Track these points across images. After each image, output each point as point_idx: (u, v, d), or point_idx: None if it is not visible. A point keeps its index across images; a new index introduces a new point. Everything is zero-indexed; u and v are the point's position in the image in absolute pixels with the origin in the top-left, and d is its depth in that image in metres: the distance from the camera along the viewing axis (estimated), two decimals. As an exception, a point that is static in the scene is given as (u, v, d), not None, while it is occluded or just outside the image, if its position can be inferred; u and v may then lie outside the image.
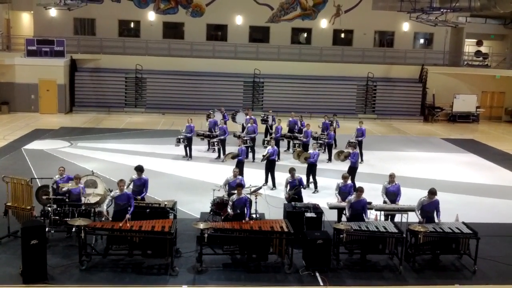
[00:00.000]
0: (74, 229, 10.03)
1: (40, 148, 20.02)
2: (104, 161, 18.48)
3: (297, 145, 19.57)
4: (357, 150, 16.38)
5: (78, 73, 29.71)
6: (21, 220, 11.06)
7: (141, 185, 11.87)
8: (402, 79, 31.69)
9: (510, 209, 14.85)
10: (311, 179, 15.70)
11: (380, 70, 31.52)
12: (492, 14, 30.96)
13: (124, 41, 31.16)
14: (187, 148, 19.20)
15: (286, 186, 12.74)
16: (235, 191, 11.88)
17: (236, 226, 10.37)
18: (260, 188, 12.88)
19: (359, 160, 16.57)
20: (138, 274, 9.91)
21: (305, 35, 33.28)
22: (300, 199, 12.59)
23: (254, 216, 12.01)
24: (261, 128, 21.74)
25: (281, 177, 15.95)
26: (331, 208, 12.18)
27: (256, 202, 12.25)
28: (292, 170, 12.80)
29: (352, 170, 15.34)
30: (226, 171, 15.77)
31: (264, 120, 21.99)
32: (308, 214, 11.48)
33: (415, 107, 31.55)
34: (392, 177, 12.28)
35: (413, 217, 11.54)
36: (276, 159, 16.37)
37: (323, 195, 14.72)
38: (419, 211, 11.15)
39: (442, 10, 27.45)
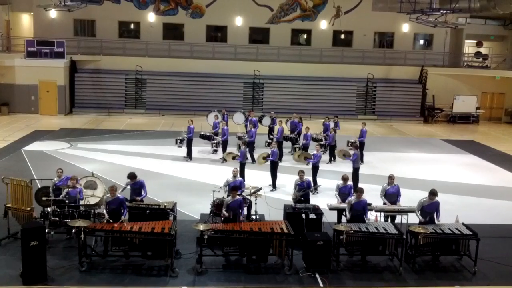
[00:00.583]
0: (74, 230, 10.02)
1: (40, 149, 20.02)
2: (104, 162, 18.48)
3: (297, 148, 19.57)
4: (357, 151, 16.37)
5: (78, 74, 29.73)
6: (21, 221, 11.05)
7: (137, 188, 11.86)
8: (402, 80, 31.71)
9: (510, 210, 14.83)
10: (318, 183, 15.73)
11: (380, 71, 31.53)
12: (492, 15, 31.00)
13: (124, 42, 31.18)
14: (188, 149, 19.16)
15: (295, 188, 12.68)
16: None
17: (236, 228, 10.36)
18: (260, 189, 12.86)
19: (359, 161, 16.56)
20: (138, 275, 9.90)
21: (305, 36, 33.30)
22: (307, 201, 12.54)
23: (254, 217, 12.01)
24: (264, 129, 21.76)
25: (283, 179, 16.03)
26: (331, 209, 12.17)
27: (256, 203, 12.26)
28: (301, 172, 12.79)
29: (354, 171, 15.42)
30: (226, 172, 15.78)
31: (259, 120, 21.95)
32: (308, 216, 11.45)
33: (415, 108, 31.56)
34: (391, 178, 12.27)
35: (413, 218, 11.54)
36: (276, 160, 16.33)
37: (323, 196, 14.71)
38: (419, 212, 11.15)
39: (442, 11, 27.43)
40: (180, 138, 19.34)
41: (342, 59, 31.96)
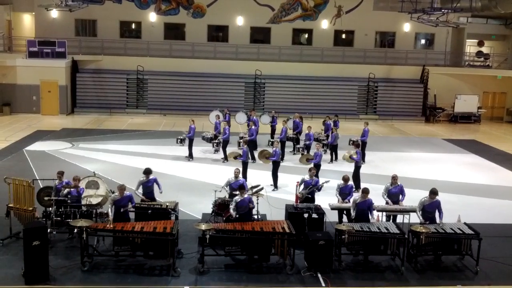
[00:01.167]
0: (76, 230, 10.03)
1: (42, 149, 20.04)
2: (105, 162, 18.49)
3: (300, 149, 19.55)
4: (359, 150, 16.38)
5: (79, 74, 29.75)
6: (23, 221, 11.08)
7: (150, 186, 11.91)
8: (403, 80, 31.68)
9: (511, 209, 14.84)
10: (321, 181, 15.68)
11: (381, 70, 31.51)
12: (493, 15, 30.96)
13: (125, 42, 31.20)
14: (190, 148, 19.17)
15: (300, 185, 12.65)
16: (236, 192, 11.91)
17: (238, 227, 10.36)
18: (262, 189, 12.87)
19: (361, 160, 16.55)
20: (140, 275, 9.91)
21: (306, 35, 33.29)
22: (313, 200, 12.54)
23: (255, 217, 12.02)
24: (266, 129, 21.76)
25: (285, 179, 16.03)
26: (333, 209, 12.19)
27: (257, 203, 12.25)
28: (312, 169, 12.80)
29: (356, 169, 15.49)
30: (228, 172, 15.78)
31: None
32: (310, 215, 11.44)
33: (416, 108, 31.53)
34: (394, 178, 12.28)
35: (415, 218, 11.53)
36: (278, 160, 16.33)
37: (325, 195, 14.68)
38: (420, 212, 11.16)
39: (443, 10, 27.42)
40: (181, 137, 19.36)
41: (343, 58, 31.95)
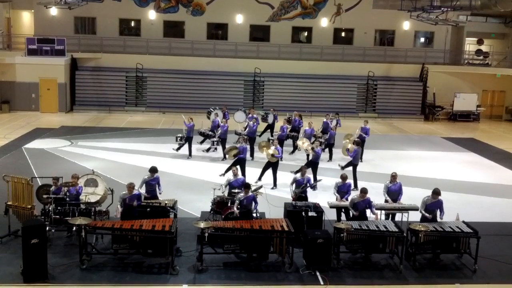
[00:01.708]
0: (74, 228, 10.03)
1: (41, 147, 20.03)
2: (104, 160, 18.49)
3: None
4: (358, 148, 16.38)
5: (78, 72, 29.72)
6: (21, 219, 11.07)
7: (154, 184, 11.97)
8: (402, 78, 31.67)
9: (510, 208, 14.84)
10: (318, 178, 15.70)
11: (381, 69, 31.50)
12: (492, 13, 30.92)
13: (124, 40, 31.17)
14: (189, 146, 19.15)
15: (292, 184, 12.68)
16: (235, 191, 11.93)
17: (237, 225, 10.37)
18: (261, 187, 12.88)
19: (359, 158, 16.56)
20: (139, 273, 9.91)
21: (306, 34, 33.27)
22: (305, 198, 12.56)
23: (254, 215, 12.02)
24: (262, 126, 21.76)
25: (284, 177, 16.01)
26: (331, 207, 12.20)
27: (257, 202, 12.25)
28: (302, 168, 12.83)
29: (352, 166, 15.52)
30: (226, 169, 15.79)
31: (264, 118, 21.97)
32: (309, 213, 11.47)
33: (415, 106, 31.53)
34: (394, 176, 12.30)
35: (414, 216, 11.56)
36: (245, 157, 16.26)
37: (324, 194, 14.70)
38: (424, 211, 11.19)
39: (442, 8, 27.42)
40: (180, 135, 19.32)
41: (342, 56, 31.94)
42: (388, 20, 32.26)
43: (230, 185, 12.32)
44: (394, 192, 12.21)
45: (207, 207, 12.48)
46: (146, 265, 10.18)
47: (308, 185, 12.58)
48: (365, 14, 32.01)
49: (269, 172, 15.84)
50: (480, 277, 10.36)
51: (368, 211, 11.32)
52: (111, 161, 18.40)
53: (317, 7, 32.28)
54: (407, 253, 10.73)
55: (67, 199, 11.23)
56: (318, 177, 15.12)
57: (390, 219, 11.97)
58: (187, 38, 31.68)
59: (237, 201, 11.21)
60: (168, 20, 31.90)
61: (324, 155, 19.25)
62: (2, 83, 27.88)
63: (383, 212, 12.07)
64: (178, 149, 19.32)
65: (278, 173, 15.91)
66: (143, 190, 11.84)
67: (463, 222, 11.18)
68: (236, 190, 11.99)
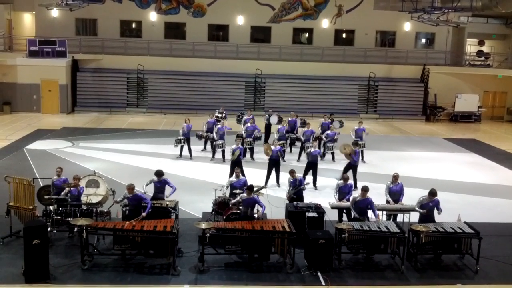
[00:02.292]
0: (76, 228, 10.04)
1: (42, 148, 20.05)
2: (106, 161, 18.50)
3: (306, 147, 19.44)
4: (358, 148, 16.40)
5: (80, 73, 29.74)
6: (23, 220, 11.08)
7: (161, 186, 11.95)
8: (403, 79, 31.66)
9: (512, 208, 14.83)
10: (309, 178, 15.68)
11: (382, 70, 31.49)
12: (493, 14, 30.92)
13: (125, 41, 31.20)
14: (182, 148, 19.11)
15: (289, 186, 12.77)
16: (237, 191, 11.92)
17: (238, 226, 10.37)
18: (262, 188, 12.88)
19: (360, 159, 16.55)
20: (140, 273, 9.91)
21: (307, 35, 33.27)
22: (300, 198, 12.58)
23: (256, 216, 12.02)
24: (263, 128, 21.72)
25: (285, 177, 16.00)
26: (333, 208, 12.19)
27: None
28: (292, 171, 12.89)
29: (352, 168, 15.54)
30: (228, 171, 15.80)
31: (267, 120, 21.87)
32: (310, 214, 11.48)
33: (417, 107, 31.50)
34: (395, 177, 12.30)
35: (415, 217, 11.55)
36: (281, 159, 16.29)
37: (325, 195, 14.71)
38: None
39: (443, 10, 27.42)
40: (182, 138, 19.19)
41: (343, 58, 31.94)
42: (389, 21, 32.27)
43: (232, 186, 12.32)
44: (395, 193, 12.22)
45: (209, 208, 12.48)
46: (147, 266, 10.18)
47: (300, 185, 12.60)
48: (366, 15, 32.02)
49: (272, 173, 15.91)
50: (482, 277, 10.34)
51: (369, 212, 11.30)
52: (112, 162, 18.41)
53: (318, 8, 32.30)
54: (408, 253, 10.72)
55: (69, 200, 11.24)
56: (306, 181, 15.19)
57: (391, 219, 11.97)
58: (188, 39, 31.71)
59: (238, 198, 11.26)
60: (169, 22, 31.93)
61: (326, 156, 19.31)
62: (4, 85, 27.91)
63: (384, 212, 12.08)
64: (180, 154, 19.19)
65: (281, 174, 15.94)
66: (148, 190, 11.84)
67: (465, 222, 11.16)
68: (238, 191, 12.00)
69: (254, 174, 16.17)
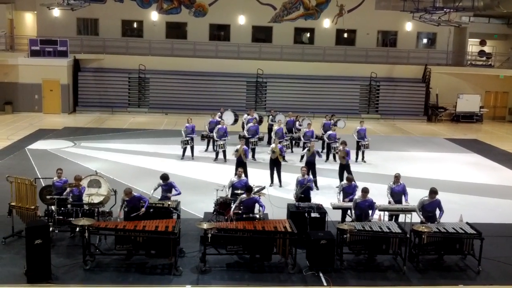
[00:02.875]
0: (78, 229, 10.04)
1: (44, 148, 20.06)
2: (107, 161, 18.51)
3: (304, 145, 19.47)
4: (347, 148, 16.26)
5: (81, 73, 29.77)
6: (25, 220, 11.09)
7: (168, 188, 12.01)
8: (405, 79, 31.65)
9: (514, 209, 14.81)
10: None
11: (383, 70, 31.47)
12: (495, 14, 30.89)
13: (127, 41, 31.21)
14: (185, 150, 19.07)
15: (297, 185, 12.68)
16: (238, 192, 11.91)
17: (240, 226, 10.37)
18: (264, 188, 12.87)
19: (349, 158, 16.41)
20: (142, 274, 9.92)
21: (308, 35, 33.25)
22: (307, 199, 12.53)
23: (257, 216, 12.02)
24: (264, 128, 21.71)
25: (287, 177, 16.02)
26: (334, 208, 12.18)
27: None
28: (303, 168, 12.85)
29: (346, 168, 15.63)
30: (230, 171, 15.81)
31: (272, 121, 21.83)
32: (312, 214, 11.47)
33: (418, 107, 31.48)
34: (397, 177, 12.28)
35: (417, 218, 11.51)
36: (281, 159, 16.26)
37: (326, 195, 14.70)
38: (421, 212, 11.17)
39: (445, 9, 27.38)
40: (188, 139, 19.07)
41: (345, 57, 31.92)
42: (391, 21, 32.25)
43: (233, 186, 12.31)
44: (397, 193, 12.21)
45: (210, 208, 12.46)
46: (149, 266, 10.18)
47: (309, 185, 12.57)
48: (368, 15, 32.00)
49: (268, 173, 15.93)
50: (484, 278, 10.33)
51: (370, 212, 11.28)
52: (114, 162, 18.42)
53: (319, 8, 32.28)
54: (410, 254, 10.71)
55: (70, 200, 11.24)
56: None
57: (393, 220, 11.95)
58: (189, 39, 31.71)
59: (237, 201, 11.23)
60: (171, 21, 31.93)
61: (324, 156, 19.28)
62: (5, 84, 27.92)
63: (386, 213, 12.06)
64: (182, 156, 19.15)
65: (283, 174, 15.94)
66: (155, 194, 11.93)
67: (467, 223, 11.15)
68: (239, 191, 11.99)
69: (257, 175, 16.18)
